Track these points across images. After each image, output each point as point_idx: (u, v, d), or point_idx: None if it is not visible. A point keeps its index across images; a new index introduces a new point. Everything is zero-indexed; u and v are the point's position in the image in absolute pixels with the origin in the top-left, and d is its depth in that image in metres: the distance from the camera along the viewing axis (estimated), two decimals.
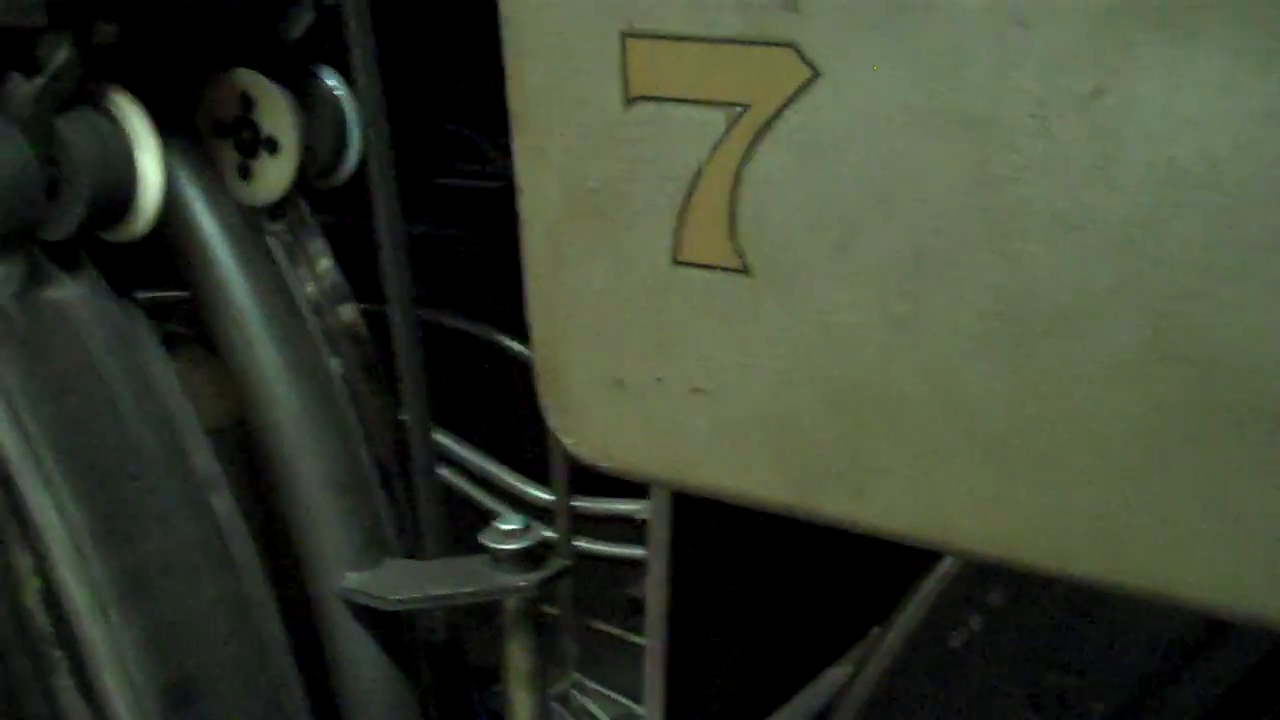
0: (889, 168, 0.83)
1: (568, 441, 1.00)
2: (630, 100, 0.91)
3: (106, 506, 1.46)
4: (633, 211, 0.93)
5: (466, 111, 2.43)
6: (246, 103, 1.62)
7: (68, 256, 1.53)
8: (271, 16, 1.63)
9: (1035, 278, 0.79)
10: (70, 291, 1.52)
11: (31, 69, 1.43)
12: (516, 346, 2.34)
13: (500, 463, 2.14)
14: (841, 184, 0.85)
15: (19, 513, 1.44)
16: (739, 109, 0.87)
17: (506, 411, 2.33)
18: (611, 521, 2.25)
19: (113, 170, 1.47)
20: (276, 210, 1.68)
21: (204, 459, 1.58)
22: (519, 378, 2.34)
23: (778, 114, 0.86)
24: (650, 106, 0.90)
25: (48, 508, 1.43)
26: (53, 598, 1.45)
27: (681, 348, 0.93)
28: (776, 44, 0.84)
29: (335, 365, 1.68)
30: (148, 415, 1.54)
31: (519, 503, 2.13)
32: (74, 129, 1.45)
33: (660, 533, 1.15)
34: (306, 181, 1.67)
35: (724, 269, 0.90)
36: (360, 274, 1.79)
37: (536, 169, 0.96)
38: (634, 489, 2.27)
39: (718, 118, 0.88)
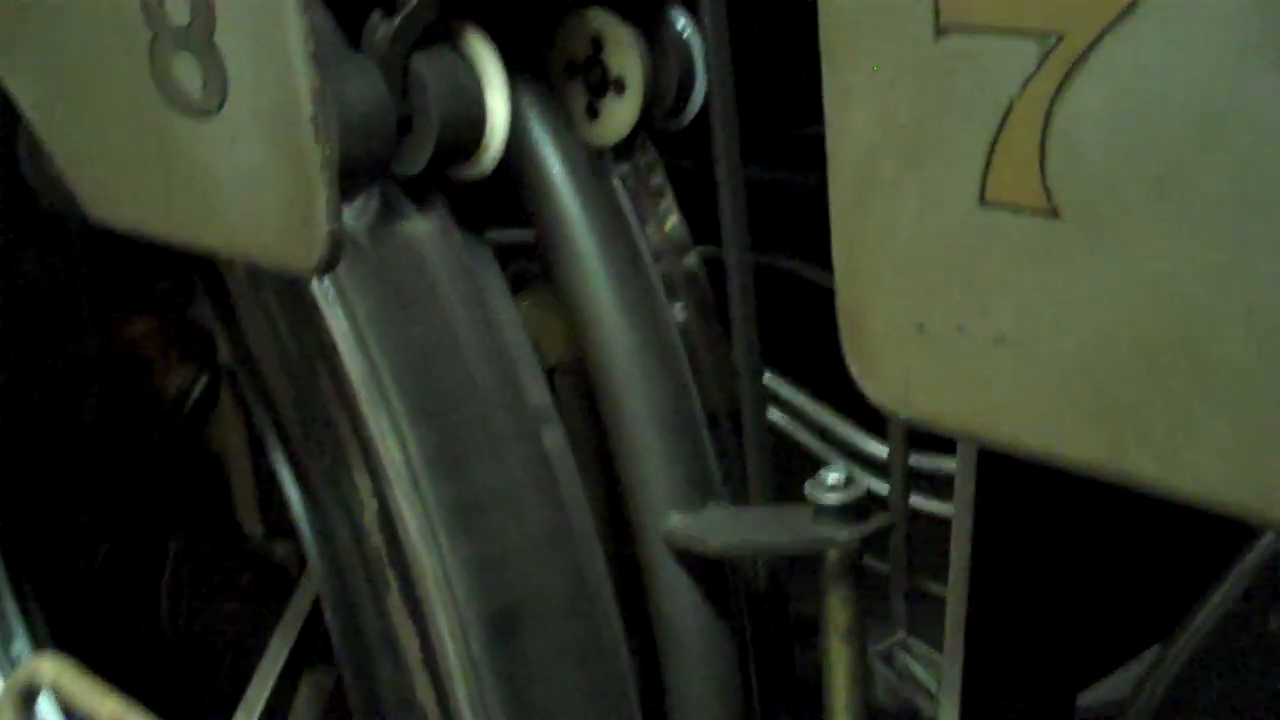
0: (1216, 104, 0.76)
1: (867, 387, 0.97)
2: (940, 31, 0.87)
3: (441, 435, 1.51)
4: (940, 149, 0.88)
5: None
6: (596, 43, 1.64)
7: (420, 192, 1.59)
8: None
9: None
10: (420, 226, 1.58)
11: (389, 7, 1.48)
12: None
13: (838, 412, 2.11)
14: (1162, 121, 0.78)
15: (360, 435, 1.51)
16: (1053, 39, 0.81)
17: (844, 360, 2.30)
18: (951, 481, 2.19)
19: (463, 108, 1.51)
20: (621, 151, 1.69)
21: (538, 393, 1.61)
22: None
23: (1093, 45, 0.80)
24: (961, 38, 0.86)
25: (387, 433, 1.49)
26: (388, 520, 1.51)
27: (986, 294, 0.89)
28: None
29: (675, 311, 1.68)
30: (487, 349, 1.58)
31: (854, 454, 2.10)
32: (427, 66, 1.49)
33: (965, 488, 1.10)
34: (652, 123, 1.68)
35: (1032, 211, 0.85)
36: (701, 217, 1.80)
37: (845, 105, 0.92)
38: None
39: (1030, 49, 0.83)
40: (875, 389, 0.96)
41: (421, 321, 1.53)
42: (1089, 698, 1.23)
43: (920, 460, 2.05)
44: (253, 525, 2.13)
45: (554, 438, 1.61)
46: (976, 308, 0.90)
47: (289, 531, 2.12)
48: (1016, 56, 0.83)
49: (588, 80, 1.66)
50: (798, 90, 2.33)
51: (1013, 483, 1.10)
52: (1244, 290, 0.77)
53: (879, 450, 2.11)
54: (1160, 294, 0.81)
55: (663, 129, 1.71)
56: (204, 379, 2.37)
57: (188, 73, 1.38)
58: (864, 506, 1.58)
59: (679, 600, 1.64)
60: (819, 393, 2.25)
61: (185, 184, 1.44)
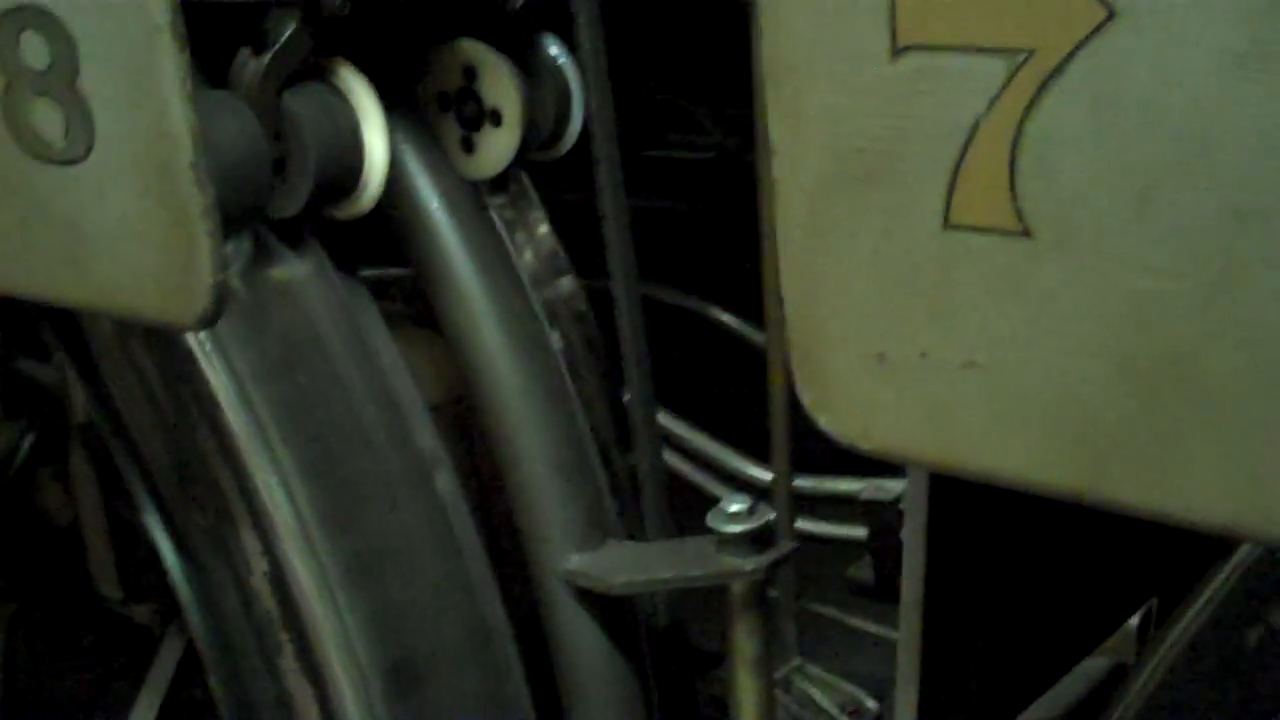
0: (1199, 116, 0.75)
1: (822, 420, 0.94)
2: (898, 50, 0.84)
3: (333, 487, 1.45)
4: (901, 172, 0.86)
5: (679, 82, 2.38)
6: (470, 74, 1.59)
7: (293, 234, 1.52)
8: None
9: None
10: (296, 269, 1.51)
11: (259, 44, 1.41)
12: (728, 319, 2.29)
13: (713, 438, 2.10)
14: (1142, 135, 0.77)
15: (246, 493, 1.43)
16: (1021, 56, 0.79)
17: (719, 386, 2.28)
18: (828, 501, 2.19)
19: (339, 146, 1.45)
20: (497, 183, 1.64)
21: (427, 437, 1.56)
22: (731, 351, 2.29)
23: (1067, 60, 0.78)
24: (921, 56, 0.83)
25: (275, 488, 1.42)
26: (280, 579, 1.44)
27: (952, 319, 0.86)
28: None
29: (556, 340, 1.64)
30: (373, 393, 1.52)
31: (734, 480, 2.09)
32: (301, 104, 1.43)
33: (917, 517, 1.08)
34: (527, 154, 1.63)
35: (1002, 232, 0.83)
36: (574, 249, 1.76)
37: (793, 129, 0.89)
38: (853, 467, 2.20)
39: (997, 67, 0.81)
40: (831, 421, 0.93)
41: (305, 369, 1.46)
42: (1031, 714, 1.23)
43: (803, 482, 2.04)
44: (110, 588, 2.02)
45: (445, 481, 1.55)
46: (942, 334, 0.87)
47: (149, 593, 2.02)
48: (981, 75, 0.81)
49: (461, 112, 1.61)
50: (658, 115, 2.30)
51: (961, 505, 1.08)
52: (1234, 303, 0.76)
53: (760, 474, 2.11)
54: (1144, 312, 0.79)
55: (540, 159, 1.66)
56: (30, 437, 2.25)
57: (47, 119, 1.29)
58: (767, 535, 1.56)
59: (580, 640, 1.60)
60: (689, 415, 2.23)
61: (47, 236, 1.34)
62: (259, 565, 1.44)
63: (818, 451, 2.11)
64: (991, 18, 0.80)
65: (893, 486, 2.00)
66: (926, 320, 0.87)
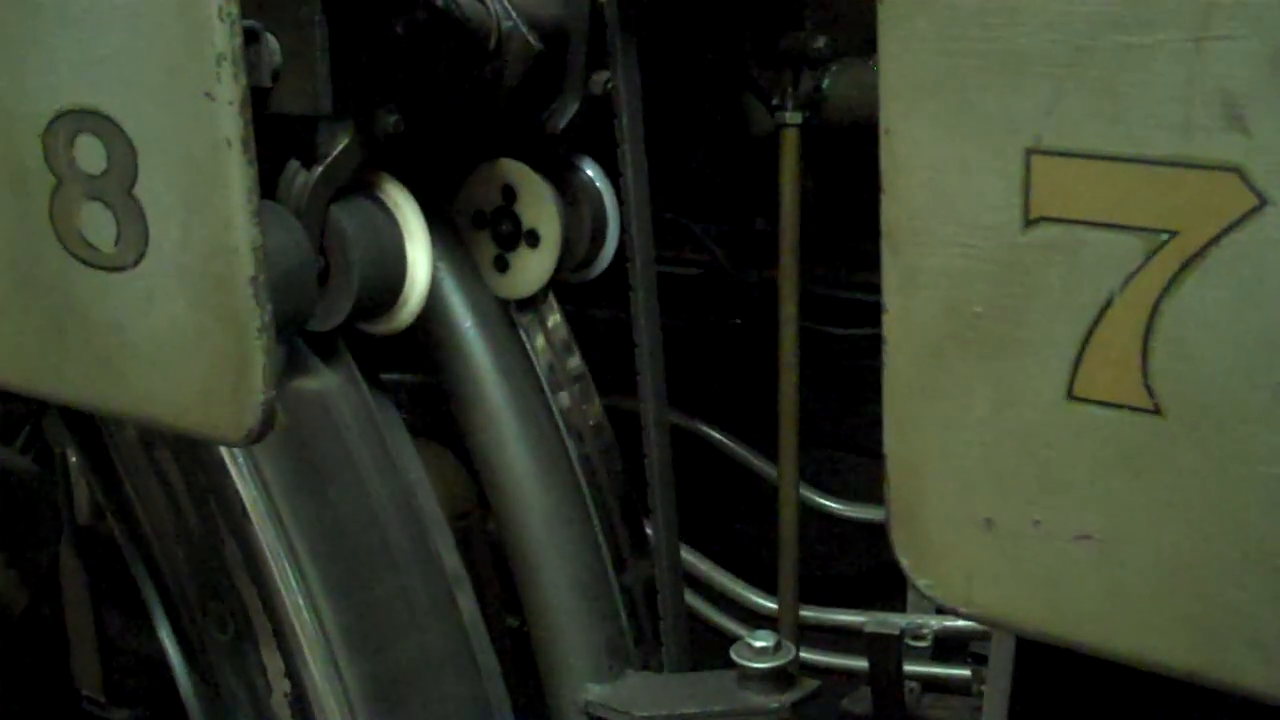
0: None
1: (922, 582, 0.93)
2: (1030, 221, 0.84)
3: (360, 607, 1.42)
4: (1024, 341, 0.85)
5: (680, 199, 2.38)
6: (508, 193, 1.59)
7: (326, 344, 1.50)
8: (536, 106, 1.59)
9: None
10: (328, 381, 1.49)
11: (309, 157, 1.39)
12: (720, 438, 2.27)
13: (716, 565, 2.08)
14: None
15: (271, 610, 1.40)
16: (1164, 236, 0.80)
17: (714, 510, 2.26)
18: (825, 631, 2.17)
19: (383, 262, 1.43)
20: (525, 302, 1.63)
21: (450, 556, 1.53)
22: (728, 474, 2.27)
23: (1211, 243, 0.78)
24: (1054, 229, 0.83)
25: (303, 607, 1.38)
26: (301, 701, 1.40)
27: (1068, 490, 0.86)
28: (1217, 168, 0.77)
29: (578, 460, 1.62)
30: (400, 511, 1.49)
31: (737, 608, 2.07)
32: (347, 219, 1.41)
33: (1000, 682, 1.06)
34: (559, 275, 1.62)
35: (1131, 408, 0.83)
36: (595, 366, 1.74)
37: (910, 289, 0.89)
38: (854, 599, 2.19)
39: (1135, 244, 0.81)
40: (932, 585, 0.92)
41: (336, 486, 1.43)
42: None
43: (806, 613, 2.03)
44: (92, 689, 1.96)
45: (468, 604, 1.52)
46: (1056, 504, 0.86)
47: (131, 697, 1.97)
48: (1118, 252, 0.81)
49: (497, 231, 1.60)
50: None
51: (1039, 668, 1.07)
52: None
53: (763, 603, 2.09)
54: (1277, 497, 0.79)
55: (571, 281, 1.66)
56: None
57: (97, 224, 1.27)
58: (790, 673, 1.54)
59: None
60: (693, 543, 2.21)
61: (84, 341, 1.32)
62: (280, 685, 1.40)
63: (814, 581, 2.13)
64: (1133, 197, 0.80)
65: (896, 620, 1.99)
66: (1040, 489, 0.87)
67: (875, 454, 2.41)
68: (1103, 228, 0.82)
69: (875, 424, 2.38)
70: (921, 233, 0.88)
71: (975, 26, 0.82)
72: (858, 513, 2.21)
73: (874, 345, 2.36)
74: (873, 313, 2.32)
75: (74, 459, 1.68)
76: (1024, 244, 0.84)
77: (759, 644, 1.53)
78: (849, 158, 1.92)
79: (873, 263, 2.39)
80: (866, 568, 2.33)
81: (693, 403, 2.37)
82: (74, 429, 1.57)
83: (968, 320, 0.87)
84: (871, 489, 2.27)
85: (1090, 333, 0.83)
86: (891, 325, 0.90)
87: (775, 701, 1.51)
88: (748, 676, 1.52)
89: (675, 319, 2.49)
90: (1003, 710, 1.06)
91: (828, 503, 2.23)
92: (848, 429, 2.31)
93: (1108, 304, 0.82)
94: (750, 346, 2.27)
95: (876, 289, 2.39)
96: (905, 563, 0.93)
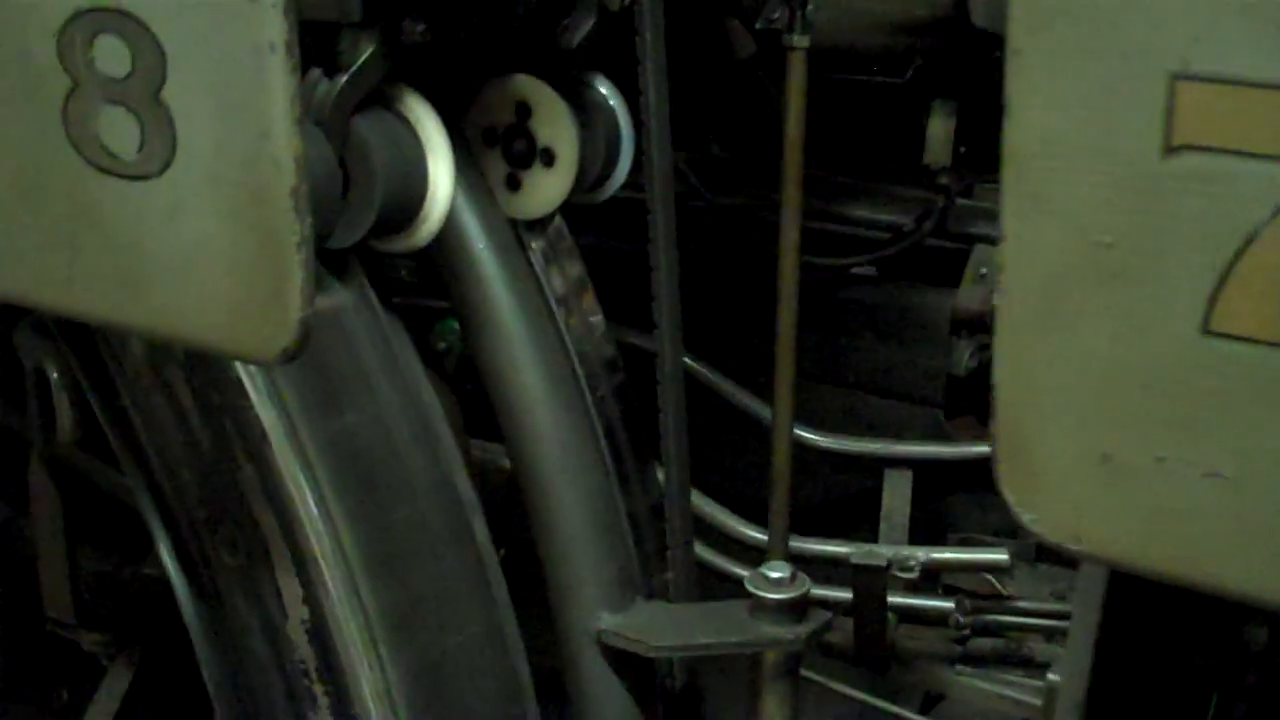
0: None
1: (1027, 518, 0.91)
2: (1171, 149, 0.82)
3: (380, 534, 1.37)
4: (1157, 272, 0.83)
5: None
6: (522, 110, 1.53)
7: (339, 262, 1.44)
8: (551, 21, 1.54)
9: None
10: (342, 298, 1.43)
11: (332, 65, 1.33)
12: (703, 370, 2.24)
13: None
14: None
15: (290, 536, 1.35)
16: None
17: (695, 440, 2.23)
18: (813, 562, 2.16)
19: (405, 178, 1.38)
20: (536, 224, 1.58)
21: (464, 484, 1.49)
22: (707, 403, 2.24)
23: None
24: (1196, 157, 0.81)
25: (323, 534, 1.34)
26: (319, 628, 1.36)
27: (1198, 427, 0.84)
28: None
29: (587, 391, 1.59)
30: (416, 436, 1.45)
31: (727, 540, 2.04)
32: (370, 131, 1.36)
33: (1088, 617, 1.05)
34: (571, 197, 1.58)
35: (1271, 344, 0.81)
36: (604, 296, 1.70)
37: (1032, 218, 0.86)
38: (825, 528, 2.18)
39: None
40: (1038, 520, 0.90)
41: (353, 408, 1.39)
42: None
43: (793, 543, 2.01)
44: (62, 612, 1.90)
45: (481, 531, 1.49)
46: (1183, 441, 0.85)
47: (102, 622, 1.92)
48: (1267, 182, 0.79)
49: (510, 149, 1.55)
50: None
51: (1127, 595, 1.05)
52: None
53: (752, 534, 2.07)
54: None
55: (582, 203, 1.61)
56: None
57: (117, 130, 1.20)
58: (802, 605, 1.52)
59: (604, 698, 1.55)
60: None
61: (99, 253, 1.25)
62: (297, 612, 1.36)
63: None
64: None
65: (882, 551, 1.99)
66: (1166, 426, 0.85)
67: (850, 385, 2.39)
68: (1251, 158, 0.79)
69: (849, 355, 2.36)
70: (1050, 158, 0.85)
71: None
72: (833, 444, 2.20)
73: (851, 278, 2.33)
74: (848, 244, 2.30)
75: (54, 374, 1.61)
76: (1163, 172, 0.82)
77: (774, 575, 1.51)
78: (825, 85, 1.89)
79: (848, 194, 2.37)
80: (837, 497, 2.32)
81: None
82: (65, 343, 1.50)
83: (1096, 249, 0.85)
84: (845, 420, 2.26)
85: (1231, 266, 0.81)
86: (1009, 253, 0.88)
87: (791, 633, 1.50)
88: (763, 607, 1.50)
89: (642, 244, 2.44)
90: (1088, 645, 1.05)
91: (804, 433, 2.21)
92: (823, 360, 2.29)
93: (1253, 236, 0.80)
94: (727, 274, 2.23)
95: (852, 221, 2.36)
96: (1010, 496, 0.91)
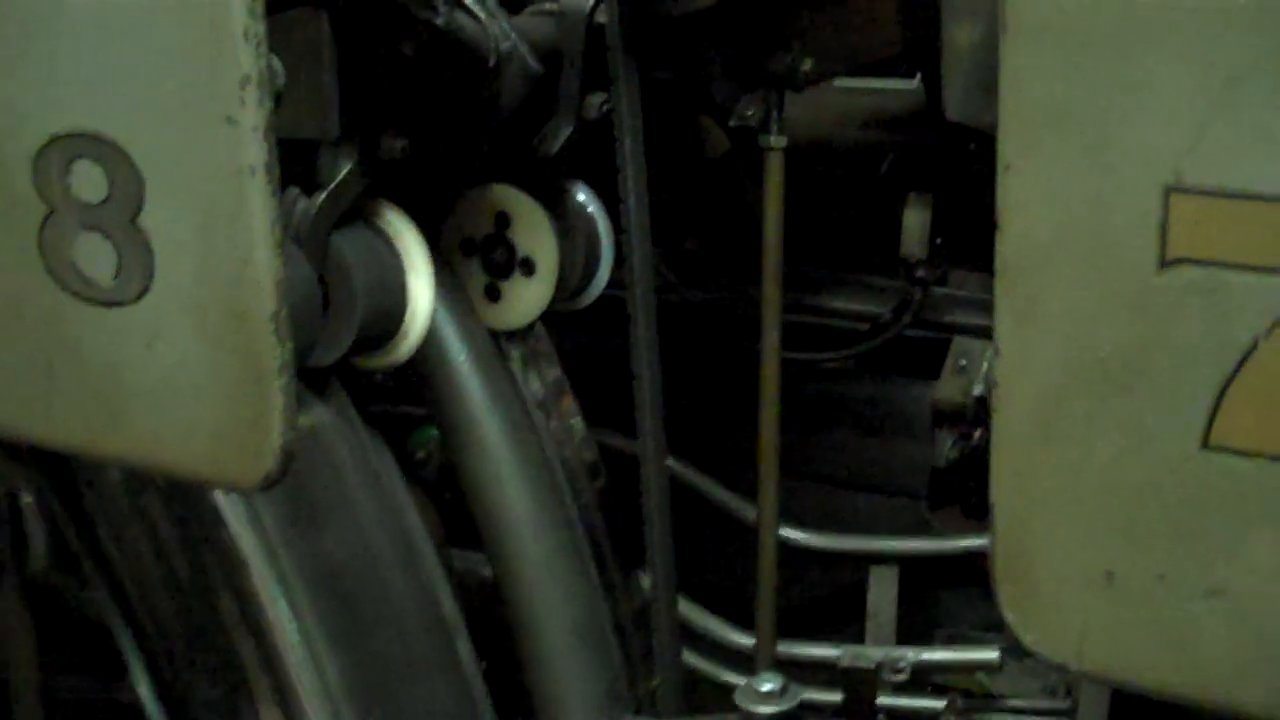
0: None
1: (1028, 638, 0.89)
2: (1166, 262, 0.81)
3: (363, 661, 1.34)
4: (1155, 385, 0.82)
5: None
6: (501, 220, 1.53)
7: (318, 378, 1.42)
8: (529, 130, 1.54)
9: None
10: (321, 417, 1.41)
11: (309, 183, 1.32)
12: (685, 470, 2.22)
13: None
14: None
15: (271, 666, 1.32)
16: None
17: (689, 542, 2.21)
18: (787, 664, 2.13)
19: (385, 294, 1.37)
20: (516, 334, 1.57)
21: (448, 601, 1.46)
22: (690, 502, 2.22)
23: None
24: (1192, 270, 0.80)
25: (305, 664, 1.31)
26: None
27: (1199, 542, 0.83)
28: None
29: (574, 504, 1.57)
30: (399, 555, 1.43)
31: (713, 645, 2.02)
32: (349, 248, 1.34)
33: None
34: (551, 305, 1.57)
35: (1273, 458, 0.79)
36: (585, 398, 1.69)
37: (1026, 332, 0.85)
38: (810, 629, 2.16)
39: None
40: (1039, 640, 0.89)
41: (334, 530, 1.36)
42: None
43: (780, 647, 1.98)
44: None
45: (466, 650, 1.46)
46: (1184, 556, 0.83)
47: None
48: (1265, 295, 0.78)
49: (488, 259, 1.54)
50: None
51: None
52: None
53: (740, 639, 2.04)
54: None
55: (561, 311, 1.60)
56: None
57: (94, 256, 1.19)
58: (797, 715, 1.50)
59: None
60: None
61: (78, 381, 1.23)
62: None
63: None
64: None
65: (871, 654, 1.96)
66: (1167, 541, 0.83)
67: (832, 482, 2.36)
68: (1248, 270, 0.79)
69: (831, 451, 2.34)
70: (1043, 271, 0.84)
71: (1112, 55, 0.79)
72: (817, 542, 2.17)
73: (829, 372, 2.32)
74: (828, 338, 2.29)
75: (27, 499, 1.58)
76: (1159, 285, 0.81)
77: (765, 688, 1.48)
78: (800, 179, 1.89)
79: (823, 287, 2.36)
80: (820, 596, 2.29)
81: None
82: (38, 467, 1.48)
83: (1093, 363, 0.84)
84: (828, 517, 2.24)
85: (1230, 379, 0.80)
86: (1005, 367, 0.87)
87: None
88: None
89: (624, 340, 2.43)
90: None
91: (788, 533, 2.18)
92: (804, 456, 2.27)
93: (1251, 349, 0.79)
94: (705, 371, 2.22)
95: (829, 313, 2.35)
96: (1010, 616, 0.89)
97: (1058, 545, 0.86)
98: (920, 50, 1.89)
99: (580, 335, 1.79)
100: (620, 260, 1.57)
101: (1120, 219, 0.81)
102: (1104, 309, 0.83)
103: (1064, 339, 0.84)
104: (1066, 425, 0.85)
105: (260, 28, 1.07)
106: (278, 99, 1.26)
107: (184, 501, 1.33)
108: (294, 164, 1.33)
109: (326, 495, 1.37)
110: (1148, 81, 0.78)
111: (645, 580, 1.70)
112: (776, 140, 1.73)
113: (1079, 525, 0.86)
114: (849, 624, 2.17)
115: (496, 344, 1.54)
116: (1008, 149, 0.83)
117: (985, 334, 2.09)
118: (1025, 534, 0.88)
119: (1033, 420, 0.86)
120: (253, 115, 1.08)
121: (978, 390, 2.07)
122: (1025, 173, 0.83)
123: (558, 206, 1.55)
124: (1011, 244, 0.85)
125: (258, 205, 1.10)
